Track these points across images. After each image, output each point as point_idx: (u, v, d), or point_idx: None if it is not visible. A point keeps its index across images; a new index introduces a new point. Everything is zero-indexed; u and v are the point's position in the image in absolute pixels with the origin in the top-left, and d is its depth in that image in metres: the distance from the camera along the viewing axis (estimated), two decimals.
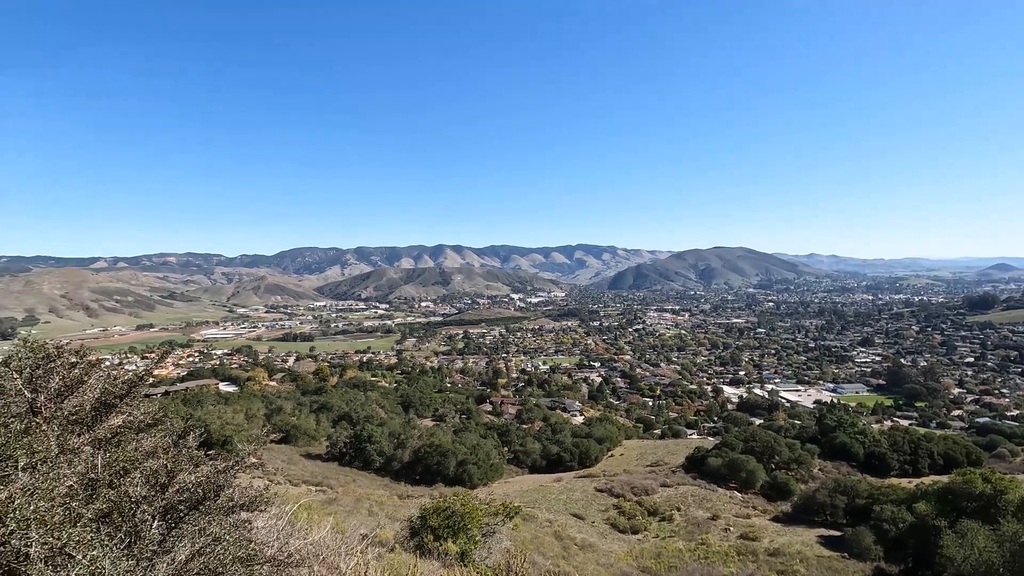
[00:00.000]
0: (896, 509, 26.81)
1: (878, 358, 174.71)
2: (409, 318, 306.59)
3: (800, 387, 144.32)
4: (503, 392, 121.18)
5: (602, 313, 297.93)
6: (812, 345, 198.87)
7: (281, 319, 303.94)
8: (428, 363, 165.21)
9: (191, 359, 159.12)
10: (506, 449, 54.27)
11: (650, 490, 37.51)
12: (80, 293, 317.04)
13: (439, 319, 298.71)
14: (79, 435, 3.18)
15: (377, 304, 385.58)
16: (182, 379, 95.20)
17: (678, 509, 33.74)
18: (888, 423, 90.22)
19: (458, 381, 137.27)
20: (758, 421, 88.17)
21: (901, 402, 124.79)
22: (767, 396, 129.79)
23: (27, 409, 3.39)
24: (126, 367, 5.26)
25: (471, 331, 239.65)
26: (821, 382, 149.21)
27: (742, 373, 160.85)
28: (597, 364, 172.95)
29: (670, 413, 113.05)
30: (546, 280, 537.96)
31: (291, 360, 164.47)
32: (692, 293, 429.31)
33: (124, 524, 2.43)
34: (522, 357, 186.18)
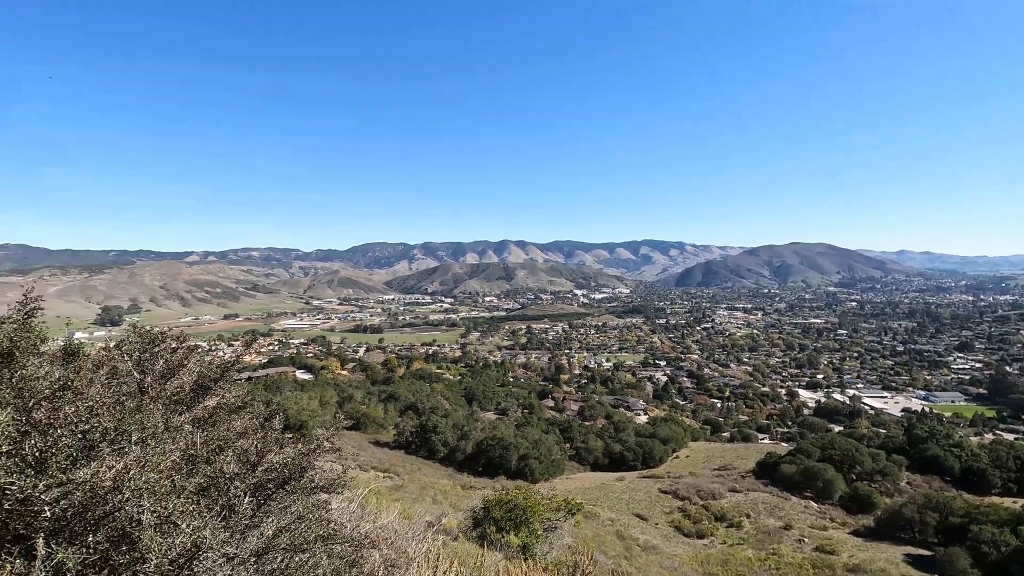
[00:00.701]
0: (998, 530, 24.47)
1: (978, 365, 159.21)
2: (473, 312, 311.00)
3: (886, 393, 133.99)
4: (565, 388, 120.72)
5: (668, 310, 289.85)
6: (901, 349, 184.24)
7: (352, 311, 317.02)
8: (491, 357, 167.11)
9: (271, 347, 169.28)
10: (568, 445, 54.09)
11: (717, 494, 36.23)
12: (176, 284, 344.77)
13: (502, 314, 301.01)
14: (180, 414, 3.48)
15: (442, 298, 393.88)
16: (263, 366, 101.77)
17: (748, 516, 32.39)
18: (989, 436, 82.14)
19: (520, 376, 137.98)
20: (837, 428, 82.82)
21: (1005, 414, 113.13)
22: (848, 402, 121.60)
23: (136, 388, 3.74)
24: (215, 353, 5.67)
25: (534, 326, 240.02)
26: (911, 389, 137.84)
27: (820, 376, 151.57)
28: (663, 363, 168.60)
29: (740, 416, 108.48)
30: (610, 276, 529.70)
31: (361, 351, 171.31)
32: (766, 291, 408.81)
33: (220, 498, 2.64)
34: (585, 354, 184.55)
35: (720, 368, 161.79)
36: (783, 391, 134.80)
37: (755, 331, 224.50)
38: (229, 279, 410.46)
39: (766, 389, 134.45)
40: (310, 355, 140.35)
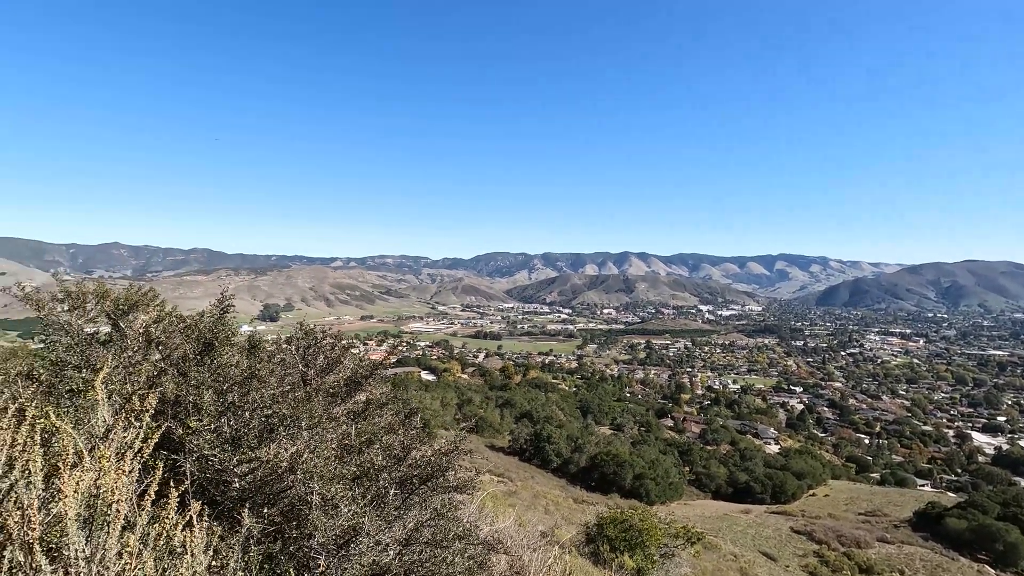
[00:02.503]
0: None
1: None
2: (591, 324, 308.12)
3: None
4: (686, 408, 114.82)
5: (807, 332, 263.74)
6: None
7: (474, 318, 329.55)
8: (608, 370, 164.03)
9: (400, 348, 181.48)
10: (687, 469, 51.33)
11: (863, 543, 32.07)
12: (323, 287, 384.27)
13: (621, 327, 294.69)
14: (336, 406, 3.87)
15: (560, 308, 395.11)
16: (392, 365, 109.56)
17: (901, 573, 28.25)
18: None
19: (638, 392, 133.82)
20: None
21: None
22: None
23: (300, 380, 4.21)
24: (354, 351, 6.19)
25: (654, 341, 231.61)
26: None
27: (1001, 419, 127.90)
28: (798, 389, 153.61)
29: (893, 456, 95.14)
30: (740, 292, 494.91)
31: (481, 356, 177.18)
32: (930, 315, 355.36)
33: (371, 488, 2.89)
34: (709, 373, 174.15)
35: (869, 400, 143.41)
36: (950, 432, 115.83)
37: (915, 360, 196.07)
38: (367, 283, 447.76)
39: (928, 428, 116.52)
40: (434, 357, 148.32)
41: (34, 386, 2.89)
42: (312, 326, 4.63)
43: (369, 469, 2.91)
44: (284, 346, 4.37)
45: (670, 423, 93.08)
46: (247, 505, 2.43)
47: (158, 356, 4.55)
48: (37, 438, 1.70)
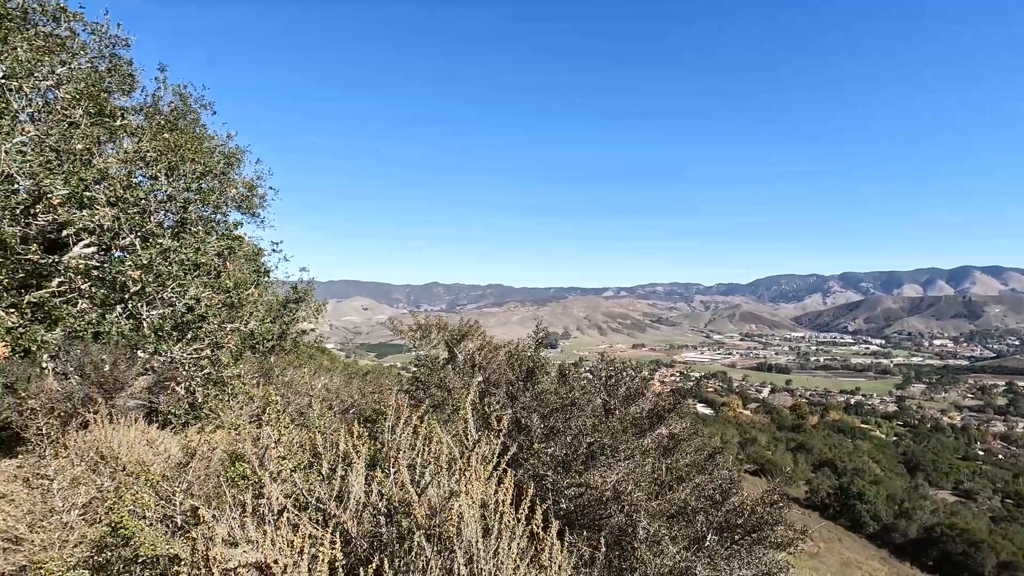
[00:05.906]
0: None
1: None
2: (914, 358, 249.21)
3: None
4: None
5: None
6: None
7: (755, 348, 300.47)
8: (945, 418, 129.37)
9: (673, 379, 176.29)
10: None
11: None
12: (595, 316, 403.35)
13: (963, 363, 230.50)
14: (639, 438, 3.90)
15: (868, 339, 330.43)
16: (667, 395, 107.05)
17: None
18: None
19: (996, 450, 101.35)
20: None
21: None
22: None
23: (602, 409, 4.39)
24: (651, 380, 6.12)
25: (1019, 383, 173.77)
26: None
27: None
28: None
29: None
30: None
31: (765, 391, 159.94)
32: None
33: (688, 529, 2.79)
34: None
35: None
36: None
37: None
38: (637, 312, 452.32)
39: None
40: (710, 389, 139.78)
41: (411, 401, 3.68)
42: (614, 357, 4.83)
43: (685, 508, 2.82)
44: (586, 374, 4.65)
45: None
46: (598, 529, 2.60)
47: (480, 379, 5.32)
48: (444, 449, 2.18)
